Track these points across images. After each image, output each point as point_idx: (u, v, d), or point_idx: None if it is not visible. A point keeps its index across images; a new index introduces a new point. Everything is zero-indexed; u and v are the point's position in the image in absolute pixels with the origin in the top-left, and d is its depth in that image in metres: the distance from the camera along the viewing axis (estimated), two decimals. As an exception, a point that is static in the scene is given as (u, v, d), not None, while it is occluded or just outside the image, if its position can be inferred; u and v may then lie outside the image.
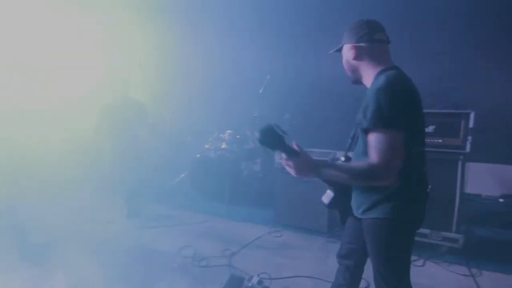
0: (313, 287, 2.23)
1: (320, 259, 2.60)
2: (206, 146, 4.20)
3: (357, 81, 1.39)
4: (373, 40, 1.29)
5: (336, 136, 3.72)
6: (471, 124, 2.44)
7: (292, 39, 4.55)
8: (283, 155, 1.26)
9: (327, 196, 1.45)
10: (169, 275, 2.39)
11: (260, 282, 2.11)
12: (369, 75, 1.31)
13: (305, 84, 4.46)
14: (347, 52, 1.35)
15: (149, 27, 4.99)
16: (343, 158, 1.43)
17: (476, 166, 3.13)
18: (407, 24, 3.66)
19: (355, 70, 1.37)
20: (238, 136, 4.13)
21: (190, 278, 2.33)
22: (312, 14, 4.37)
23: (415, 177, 1.25)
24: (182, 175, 4.45)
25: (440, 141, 2.55)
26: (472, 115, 2.44)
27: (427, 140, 2.54)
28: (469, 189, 2.95)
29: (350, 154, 1.46)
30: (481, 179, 3.59)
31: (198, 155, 4.07)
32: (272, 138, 1.22)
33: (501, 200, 3.78)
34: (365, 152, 1.21)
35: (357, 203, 1.35)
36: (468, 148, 2.46)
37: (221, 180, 3.83)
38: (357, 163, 1.24)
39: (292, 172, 1.26)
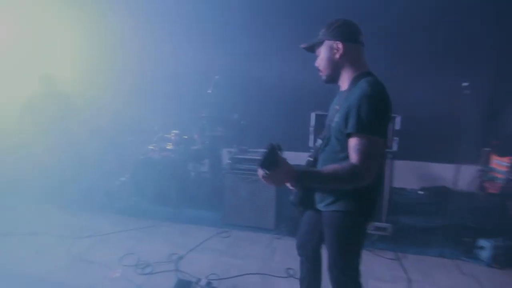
0: (261, 283, 2.28)
1: (268, 255, 2.67)
2: (150, 147, 3.99)
3: (332, 80, 1.36)
4: (358, 41, 1.29)
5: (285, 136, 3.90)
6: (397, 127, 2.78)
7: (242, 38, 4.61)
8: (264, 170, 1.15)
9: (295, 196, 1.43)
10: (110, 286, 2.22)
11: (208, 283, 2.09)
12: (347, 77, 1.31)
13: (254, 84, 4.55)
14: (331, 50, 1.30)
15: (86, 19, 4.58)
16: (311, 159, 1.43)
17: (402, 163, 3.56)
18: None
19: (336, 69, 1.32)
20: (185, 137, 4.01)
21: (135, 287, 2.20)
22: (261, 14, 4.48)
23: (376, 176, 1.30)
24: (124, 178, 4.16)
25: (372, 141, 2.84)
26: (398, 119, 2.77)
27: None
28: (396, 183, 3.35)
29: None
30: (405, 175, 4.10)
31: (141, 157, 3.85)
32: (273, 161, 1.14)
33: (420, 192, 4.37)
34: (338, 152, 1.27)
35: (321, 197, 1.38)
36: (395, 147, 2.79)
37: (167, 183, 3.68)
38: (339, 166, 1.20)
39: (270, 183, 1.18)
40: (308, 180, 1.23)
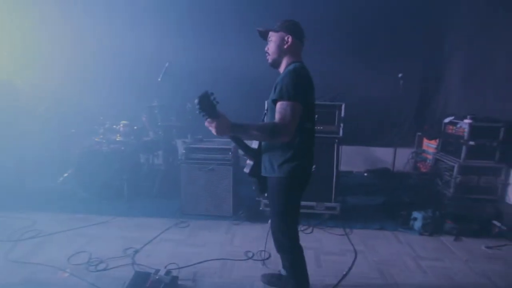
0: (221, 268, 2.33)
1: (227, 241, 2.73)
2: (96, 139, 3.73)
3: (275, 64, 1.69)
4: (302, 41, 1.68)
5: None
6: (342, 114, 2.99)
7: (193, 25, 4.49)
8: (209, 119, 1.39)
9: (248, 166, 1.73)
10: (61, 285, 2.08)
11: (168, 273, 2.07)
12: (285, 64, 1.65)
13: (206, 71, 4.49)
14: (282, 40, 1.63)
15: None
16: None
17: (348, 148, 3.85)
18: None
19: (280, 56, 1.64)
20: (135, 127, 3.83)
21: (87, 285, 2.09)
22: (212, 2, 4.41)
23: (306, 147, 1.62)
24: (66, 174, 3.85)
25: (321, 128, 3.02)
26: (343, 106, 2.99)
27: (312, 127, 3.03)
28: (343, 167, 3.63)
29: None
30: (351, 158, 4.45)
31: (86, 149, 3.59)
32: (208, 105, 1.36)
33: (365, 174, 4.81)
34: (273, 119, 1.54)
35: (265, 166, 1.68)
36: (341, 133, 3.01)
37: (117, 176, 3.50)
38: (265, 123, 1.60)
39: (213, 131, 1.42)
40: (239, 130, 1.47)
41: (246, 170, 1.75)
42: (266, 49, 1.69)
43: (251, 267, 2.34)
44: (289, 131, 1.45)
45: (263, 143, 1.71)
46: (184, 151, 3.20)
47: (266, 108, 1.74)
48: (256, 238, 2.73)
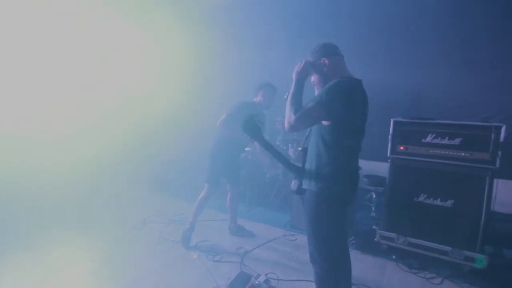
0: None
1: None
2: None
3: None
4: (337, 53, 1.67)
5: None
6: (501, 138, 2.29)
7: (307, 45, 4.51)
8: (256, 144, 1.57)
9: (294, 184, 1.74)
10: (187, 264, 2.57)
11: (267, 281, 2.17)
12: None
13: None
14: (320, 66, 1.65)
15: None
16: (300, 148, 1.76)
17: (507, 183, 2.89)
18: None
19: (327, 81, 1.61)
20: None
21: (204, 269, 2.47)
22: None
23: (344, 166, 1.57)
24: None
25: (467, 154, 2.42)
26: (503, 129, 2.28)
27: (453, 153, 2.47)
28: (500, 207, 2.73)
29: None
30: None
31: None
32: (252, 128, 1.52)
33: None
34: (317, 143, 1.59)
35: (305, 178, 1.68)
36: (497, 163, 2.31)
37: (243, 182, 3.95)
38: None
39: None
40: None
41: (293, 188, 1.74)
42: (312, 80, 1.73)
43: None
44: (295, 127, 1.54)
45: (307, 161, 1.69)
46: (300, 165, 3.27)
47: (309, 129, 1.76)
48: (363, 271, 2.46)
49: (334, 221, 1.63)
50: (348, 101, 1.50)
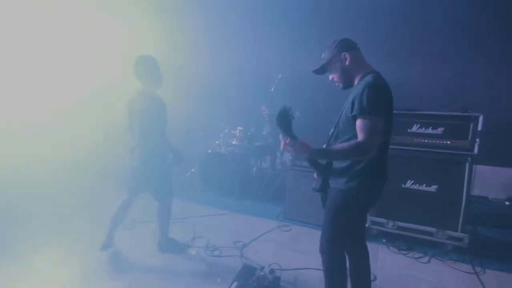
0: (321, 278, 2.30)
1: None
2: (217, 142, 4.31)
3: (349, 85, 1.64)
4: (357, 48, 1.64)
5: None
6: (479, 127, 2.50)
7: (303, 39, 4.62)
8: (286, 137, 1.45)
9: (317, 181, 1.71)
10: (188, 261, 2.54)
11: (271, 271, 2.21)
12: (358, 77, 1.58)
13: (313, 82, 4.53)
14: (341, 61, 1.60)
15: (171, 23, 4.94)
16: (324, 145, 1.69)
17: (484, 168, 3.19)
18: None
19: (348, 75, 1.61)
20: (248, 133, 4.23)
21: (205, 265, 2.45)
22: (320, 14, 4.43)
23: (377, 162, 1.53)
24: (193, 169, 4.58)
25: (449, 142, 2.62)
26: (481, 118, 2.50)
27: (436, 141, 2.65)
28: (476, 191, 3.01)
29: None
30: (488, 182, 3.65)
31: (209, 151, 4.19)
32: (284, 120, 1.43)
33: (506, 203, 3.84)
34: (346, 136, 1.55)
35: (331, 177, 1.67)
36: (476, 150, 2.53)
37: (231, 176, 3.94)
38: (346, 143, 1.49)
39: (291, 150, 1.49)
40: (319, 155, 1.52)
41: (316, 186, 1.71)
42: (331, 78, 1.69)
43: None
44: (374, 148, 1.40)
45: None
46: (291, 158, 3.34)
47: (335, 124, 1.69)
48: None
49: (357, 219, 1.70)
50: (389, 99, 1.50)
